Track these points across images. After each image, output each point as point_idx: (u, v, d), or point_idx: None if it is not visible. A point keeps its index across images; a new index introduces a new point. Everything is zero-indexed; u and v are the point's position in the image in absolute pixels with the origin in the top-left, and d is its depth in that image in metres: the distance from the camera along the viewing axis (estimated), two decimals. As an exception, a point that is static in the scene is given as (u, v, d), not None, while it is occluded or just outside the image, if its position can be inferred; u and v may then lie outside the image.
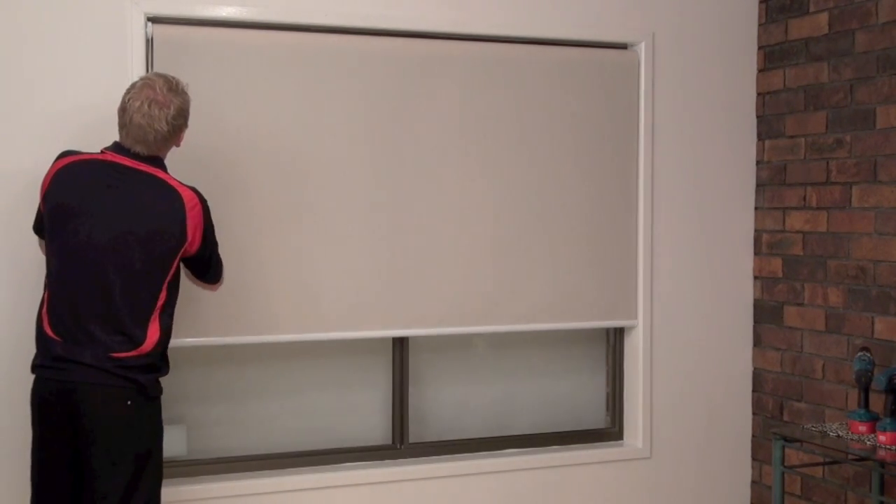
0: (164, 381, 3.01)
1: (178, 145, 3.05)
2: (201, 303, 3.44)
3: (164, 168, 2.98)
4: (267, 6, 3.55)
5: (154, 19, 3.44)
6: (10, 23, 3.28)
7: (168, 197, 2.91)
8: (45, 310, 2.91)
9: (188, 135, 3.43)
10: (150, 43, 3.43)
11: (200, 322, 3.48)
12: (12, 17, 3.28)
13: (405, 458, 3.88)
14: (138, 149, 2.92)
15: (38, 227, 3.03)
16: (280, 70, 3.57)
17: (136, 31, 3.39)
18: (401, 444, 3.90)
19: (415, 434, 3.93)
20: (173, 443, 3.54)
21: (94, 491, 2.86)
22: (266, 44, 3.56)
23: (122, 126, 2.93)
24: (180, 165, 3.41)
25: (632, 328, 4.12)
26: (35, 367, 2.93)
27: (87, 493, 2.88)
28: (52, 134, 3.27)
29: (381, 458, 3.85)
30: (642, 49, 4.05)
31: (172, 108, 2.92)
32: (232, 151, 3.52)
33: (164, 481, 3.32)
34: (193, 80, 3.43)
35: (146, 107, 2.89)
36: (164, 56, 3.42)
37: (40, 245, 3.08)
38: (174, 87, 2.95)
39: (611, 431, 4.20)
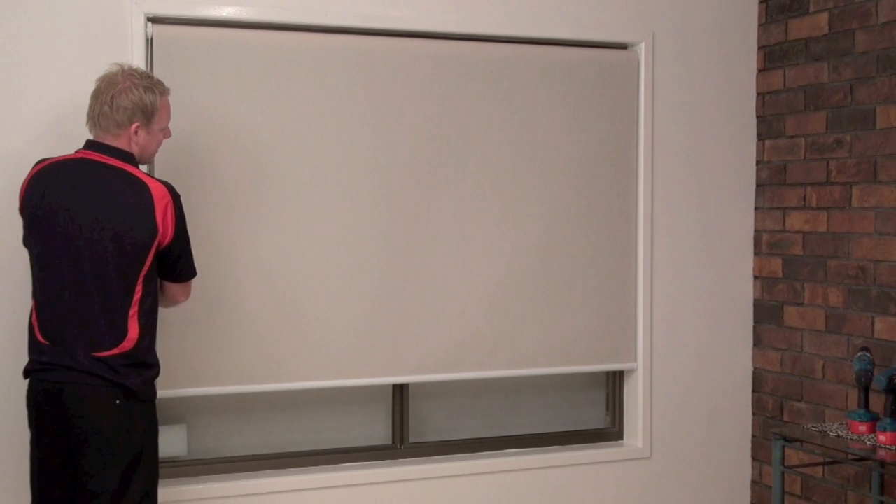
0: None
1: (150, 150, 3.01)
2: (195, 353, 3.48)
3: (134, 164, 2.94)
4: (267, 6, 3.55)
5: (154, 19, 3.44)
6: (10, 23, 3.28)
7: (137, 190, 2.88)
8: (34, 316, 2.92)
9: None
10: (150, 43, 3.43)
11: (192, 371, 3.49)
12: (12, 16, 3.28)
13: (405, 458, 3.88)
14: (96, 134, 2.92)
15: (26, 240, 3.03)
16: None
17: (136, 31, 3.39)
18: (401, 444, 3.90)
19: (415, 434, 3.93)
20: (173, 443, 3.55)
21: (87, 490, 2.86)
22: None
23: (88, 115, 2.96)
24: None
25: (631, 329, 4.12)
26: (27, 372, 2.94)
27: (80, 493, 2.87)
28: (50, 134, 3.27)
29: (381, 458, 3.85)
30: (642, 49, 4.05)
31: (126, 95, 2.90)
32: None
33: (164, 481, 3.33)
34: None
35: (102, 86, 2.93)
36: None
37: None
38: (141, 79, 2.94)
39: (611, 431, 4.20)
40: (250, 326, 3.56)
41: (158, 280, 3.02)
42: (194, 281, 3.14)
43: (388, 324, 3.73)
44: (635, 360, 4.09)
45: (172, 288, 3.09)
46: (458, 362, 3.83)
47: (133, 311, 2.88)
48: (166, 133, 3.06)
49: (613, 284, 4.05)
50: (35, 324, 2.91)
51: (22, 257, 3.08)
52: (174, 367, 3.42)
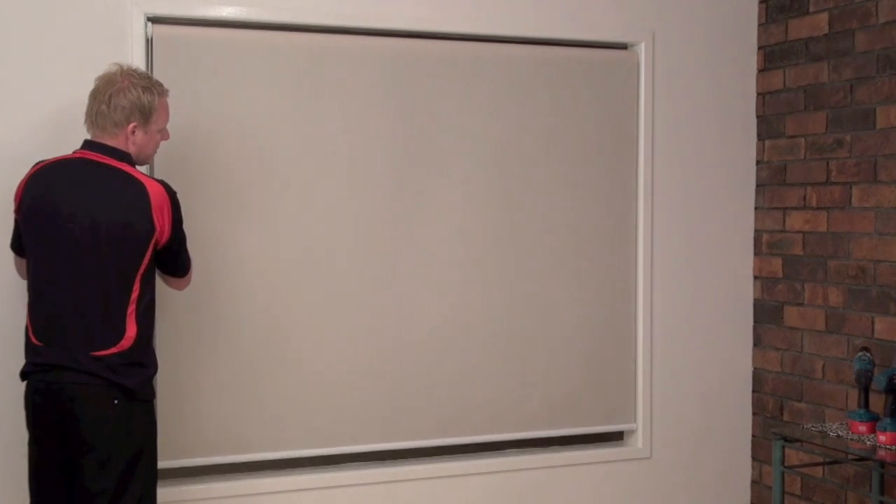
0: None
1: (147, 151, 3.00)
2: (188, 422, 3.49)
3: (131, 163, 2.94)
4: (267, 6, 3.55)
5: (154, 19, 3.44)
6: (10, 23, 3.28)
7: (134, 189, 2.88)
8: (28, 318, 2.92)
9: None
10: (150, 43, 3.43)
11: (180, 444, 3.49)
12: (12, 17, 3.28)
13: (405, 458, 3.88)
14: (93, 133, 2.93)
15: (15, 243, 3.03)
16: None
17: (136, 31, 3.39)
18: (401, 444, 3.90)
19: (415, 434, 3.94)
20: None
21: (86, 490, 2.85)
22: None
23: (86, 114, 2.96)
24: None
25: (631, 327, 4.13)
26: (24, 374, 2.93)
27: (79, 493, 2.87)
28: (50, 134, 3.27)
29: (381, 459, 3.84)
30: (642, 49, 4.05)
31: (124, 94, 2.90)
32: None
33: (165, 481, 3.33)
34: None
35: (101, 85, 2.94)
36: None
37: (16, 263, 3.09)
38: (139, 79, 2.95)
39: (611, 431, 4.19)
40: (247, 392, 3.57)
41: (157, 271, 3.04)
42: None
43: (385, 388, 3.73)
44: (635, 362, 4.10)
45: (172, 280, 3.13)
46: (457, 426, 3.84)
47: (131, 309, 2.88)
48: (164, 135, 3.05)
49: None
50: (29, 325, 2.91)
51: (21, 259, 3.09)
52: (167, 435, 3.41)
